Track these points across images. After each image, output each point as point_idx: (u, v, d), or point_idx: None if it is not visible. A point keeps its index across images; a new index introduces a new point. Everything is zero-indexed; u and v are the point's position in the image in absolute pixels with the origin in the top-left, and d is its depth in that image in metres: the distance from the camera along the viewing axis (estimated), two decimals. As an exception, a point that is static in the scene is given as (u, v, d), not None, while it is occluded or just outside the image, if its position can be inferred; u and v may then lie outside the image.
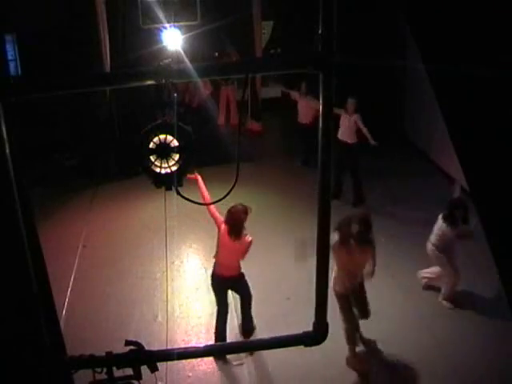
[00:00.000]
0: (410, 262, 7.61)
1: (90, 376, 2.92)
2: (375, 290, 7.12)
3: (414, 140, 11.79)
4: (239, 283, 6.10)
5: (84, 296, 7.14)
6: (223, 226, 5.81)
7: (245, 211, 5.83)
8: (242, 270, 6.13)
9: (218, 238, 5.92)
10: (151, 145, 2.72)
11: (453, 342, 6.14)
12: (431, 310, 6.70)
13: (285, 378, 5.79)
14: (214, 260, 6.08)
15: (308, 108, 10.36)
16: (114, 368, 2.92)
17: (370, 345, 6.17)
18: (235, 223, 5.75)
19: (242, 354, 5.90)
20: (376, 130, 9.33)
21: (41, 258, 2.78)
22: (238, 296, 6.36)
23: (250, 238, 5.89)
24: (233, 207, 5.76)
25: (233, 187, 2.77)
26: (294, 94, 10.74)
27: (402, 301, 6.90)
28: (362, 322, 6.24)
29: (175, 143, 2.72)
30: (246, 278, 6.20)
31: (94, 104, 10.99)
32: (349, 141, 9.17)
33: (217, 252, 5.98)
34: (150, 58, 9.19)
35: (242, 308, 6.34)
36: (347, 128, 9.15)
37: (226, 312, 6.11)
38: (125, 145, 10.57)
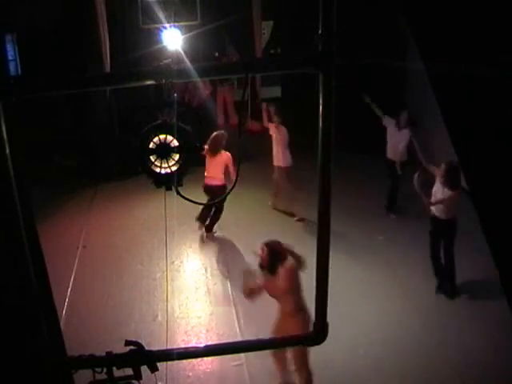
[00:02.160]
0: (408, 260, 7.63)
1: (90, 376, 2.92)
2: (374, 290, 7.13)
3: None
4: (221, 191, 7.99)
5: (84, 296, 7.14)
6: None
7: (222, 134, 8.27)
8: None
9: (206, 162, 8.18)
10: (151, 145, 2.72)
11: (452, 341, 6.14)
12: (430, 310, 6.70)
13: (285, 378, 5.78)
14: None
15: (402, 142, 8.77)
16: (114, 368, 2.92)
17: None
18: (214, 142, 8.12)
19: (242, 354, 5.90)
20: (376, 131, 9.33)
21: (41, 258, 2.78)
22: (236, 295, 6.35)
23: (227, 153, 8.08)
24: (215, 134, 8.17)
25: (233, 187, 2.77)
26: (390, 126, 8.90)
27: (402, 300, 6.90)
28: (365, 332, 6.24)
29: (175, 143, 2.72)
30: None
31: (93, 104, 10.99)
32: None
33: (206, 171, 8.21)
34: (150, 58, 9.20)
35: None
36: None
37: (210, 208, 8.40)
38: (124, 145, 10.57)
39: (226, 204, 8.77)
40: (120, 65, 10.31)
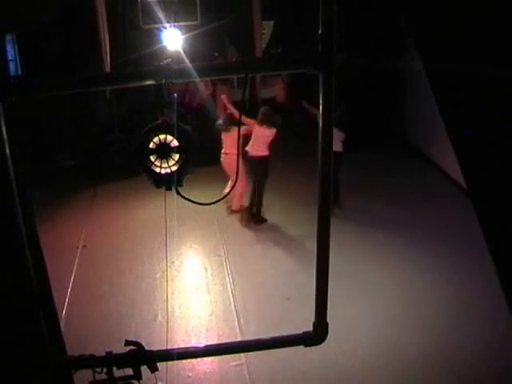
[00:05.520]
0: (407, 261, 7.64)
1: (90, 376, 2.92)
2: (374, 290, 7.13)
3: (413, 140, 11.79)
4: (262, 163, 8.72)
5: (84, 296, 7.13)
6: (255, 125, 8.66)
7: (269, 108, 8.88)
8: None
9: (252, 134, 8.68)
10: (151, 145, 2.72)
11: (451, 340, 6.15)
12: (429, 310, 6.70)
13: (284, 378, 5.79)
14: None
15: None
16: (114, 368, 2.92)
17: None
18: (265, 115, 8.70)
19: (242, 354, 5.90)
20: (375, 131, 9.35)
21: (41, 258, 2.78)
22: (236, 294, 6.34)
23: (274, 130, 8.68)
24: (265, 108, 8.82)
25: (233, 187, 2.77)
26: None
27: (401, 300, 6.90)
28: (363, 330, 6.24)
29: (175, 143, 2.72)
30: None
31: (93, 104, 11.00)
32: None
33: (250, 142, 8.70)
34: (150, 58, 9.20)
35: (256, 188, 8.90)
36: None
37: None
38: (124, 145, 10.57)
39: (224, 204, 8.77)
40: (120, 65, 10.31)
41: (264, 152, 8.70)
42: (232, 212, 9.26)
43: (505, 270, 1.82)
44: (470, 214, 2.01)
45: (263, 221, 8.95)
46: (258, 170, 8.77)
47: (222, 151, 8.98)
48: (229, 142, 8.80)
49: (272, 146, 8.77)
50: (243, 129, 8.32)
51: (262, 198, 8.94)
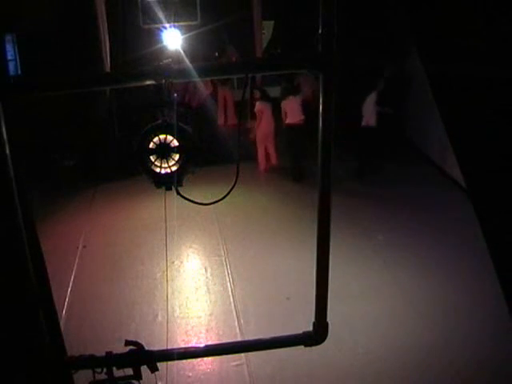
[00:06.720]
0: (407, 260, 7.64)
1: (90, 376, 2.92)
2: (374, 290, 7.14)
3: (415, 140, 11.79)
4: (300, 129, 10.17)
5: (84, 296, 7.13)
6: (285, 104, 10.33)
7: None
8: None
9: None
10: (151, 145, 2.72)
11: (452, 340, 6.14)
12: (429, 310, 6.70)
13: (285, 378, 5.79)
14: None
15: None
16: (114, 368, 2.92)
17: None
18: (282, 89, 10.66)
19: (242, 354, 5.90)
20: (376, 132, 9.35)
21: (41, 258, 2.78)
22: (236, 294, 6.33)
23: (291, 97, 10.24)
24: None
25: (233, 187, 2.77)
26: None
27: (401, 299, 6.90)
28: (360, 322, 6.23)
29: (175, 143, 2.72)
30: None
31: (94, 104, 10.99)
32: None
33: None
34: (151, 58, 9.21)
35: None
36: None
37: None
38: (124, 145, 10.57)
39: (224, 204, 8.74)
40: (120, 65, 10.31)
41: (294, 119, 10.21)
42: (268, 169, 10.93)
43: (505, 271, 1.82)
44: (470, 214, 2.01)
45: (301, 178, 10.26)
46: (297, 135, 10.18)
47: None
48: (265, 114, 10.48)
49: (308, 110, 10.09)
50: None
51: (299, 157, 10.32)
